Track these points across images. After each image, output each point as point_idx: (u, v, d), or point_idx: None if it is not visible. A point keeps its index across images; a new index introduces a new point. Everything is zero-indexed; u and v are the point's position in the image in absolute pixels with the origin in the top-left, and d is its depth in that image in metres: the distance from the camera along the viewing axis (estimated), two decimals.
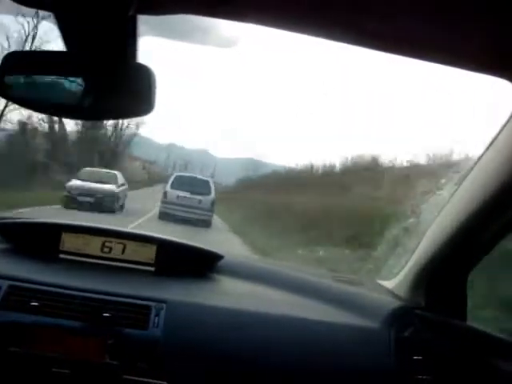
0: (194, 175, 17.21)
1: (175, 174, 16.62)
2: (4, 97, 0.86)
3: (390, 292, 1.70)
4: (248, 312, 1.49)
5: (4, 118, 18.12)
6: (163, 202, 14.85)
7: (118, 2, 0.66)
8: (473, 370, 1.40)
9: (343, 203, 12.61)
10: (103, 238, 1.69)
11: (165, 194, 15.14)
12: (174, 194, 14.99)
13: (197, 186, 15.48)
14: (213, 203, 15.28)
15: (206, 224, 14.25)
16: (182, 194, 14.88)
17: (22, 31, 17.28)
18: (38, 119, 19.70)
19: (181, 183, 15.42)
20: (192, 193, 15.02)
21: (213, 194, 15.67)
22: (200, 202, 15.00)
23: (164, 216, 14.43)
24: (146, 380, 1.33)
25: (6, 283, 1.40)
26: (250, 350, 1.42)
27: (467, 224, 1.34)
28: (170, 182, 15.66)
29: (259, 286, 1.68)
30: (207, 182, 16.07)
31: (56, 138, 21.85)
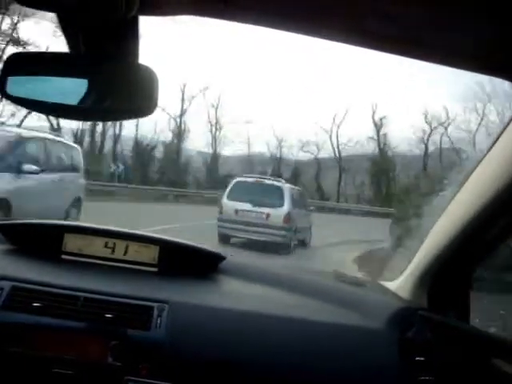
0: (261, 179, 12.17)
1: (235, 180, 11.97)
2: (7, 98, 0.86)
3: (393, 293, 1.70)
4: (250, 313, 1.49)
5: None
6: (219, 220, 10.93)
7: (120, 3, 0.66)
8: (475, 371, 1.40)
9: None
10: (105, 239, 1.69)
11: (220, 208, 11.25)
12: (231, 207, 10.99)
13: (263, 194, 11.11)
14: (287, 218, 10.80)
15: (281, 248, 9.87)
16: (241, 206, 10.87)
17: None
18: None
19: (241, 192, 11.14)
20: (255, 204, 10.92)
21: (287, 206, 11.04)
22: (267, 216, 10.83)
23: (225, 240, 10.60)
24: (148, 381, 1.33)
25: (8, 284, 1.40)
26: (253, 351, 1.41)
27: (470, 225, 1.34)
28: (227, 190, 11.56)
29: (262, 286, 1.68)
30: (279, 189, 11.35)
31: None
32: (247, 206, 10.90)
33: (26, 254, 1.66)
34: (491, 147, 1.24)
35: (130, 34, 0.78)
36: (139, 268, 1.68)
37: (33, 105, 0.90)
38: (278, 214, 10.82)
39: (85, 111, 0.89)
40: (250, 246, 10.03)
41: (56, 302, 1.39)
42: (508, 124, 1.18)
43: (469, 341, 1.44)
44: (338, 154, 31.69)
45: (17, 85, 0.85)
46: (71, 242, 1.68)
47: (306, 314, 1.52)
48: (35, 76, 0.86)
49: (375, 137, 31.16)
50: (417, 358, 1.44)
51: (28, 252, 1.66)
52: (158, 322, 1.40)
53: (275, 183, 11.83)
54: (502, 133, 1.20)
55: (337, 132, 31.24)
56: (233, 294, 1.64)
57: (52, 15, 0.73)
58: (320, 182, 30.87)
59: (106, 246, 1.69)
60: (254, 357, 1.40)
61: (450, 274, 1.51)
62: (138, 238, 1.73)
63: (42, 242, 1.68)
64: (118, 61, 0.85)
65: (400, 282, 1.70)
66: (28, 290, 1.40)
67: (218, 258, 1.74)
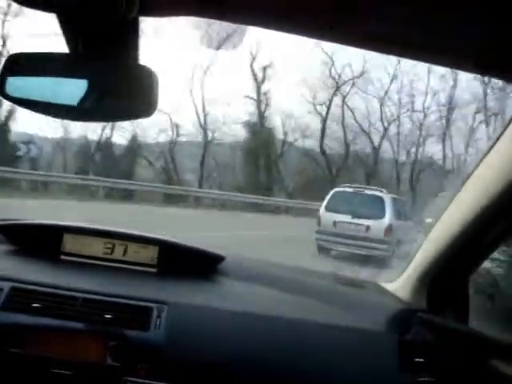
0: (361, 189, 11.58)
1: (333, 190, 11.48)
2: (6, 98, 0.86)
3: (392, 294, 1.70)
4: (249, 314, 1.49)
5: None
6: (318, 232, 10.54)
7: (120, 4, 0.66)
8: (475, 372, 1.40)
9: None
10: (105, 240, 1.69)
11: (318, 219, 10.85)
12: (329, 219, 10.57)
13: (363, 205, 10.64)
14: (389, 231, 10.20)
15: (381, 262, 9.34)
16: (340, 218, 10.47)
17: None
18: None
19: (340, 202, 10.71)
20: (355, 216, 10.45)
21: (388, 217, 10.41)
22: (367, 229, 10.29)
23: (324, 253, 10.15)
24: (147, 382, 1.33)
25: (8, 285, 1.40)
26: (252, 352, 1.41)
27: (469, 226, 1.34)
28: (325, 200, 11.13)
29: (261, 287, 1.68)
30: (380, 199, 10.72)
31: None
32: (346, 218, 10.45)
33: (25, 254, 1.66)
34: (490, 150, 1.25)
35: (130, 34, 0.78)
36: (138, 269, 1.68)
37: (32, 105, 0.90)
38: (379, 226, 10.24)
39: (84, 112, 0.89)
40: (350, 258, 9.61)
41: (55, 302, 1.39)
42: (506, 128, 1.18)
43: (468, 342, 1.44)
44: (202, 122, 21.01)
45: (16, 85, 0.85)
46: (70, 243, 1.68)
47: (305, 316, 1.52)
48: (35, 76, 0.86)
49: (254, 96, 20.92)
50: (416, 360, 1.45)
51: (27, 252, 1.66)
52: (157, 322, 1.40)
53: (376, 193, 11.12)
54: (500, 136, 1.21)
55: (201, 85, 20.61)
56: (232, 295, 1.64)
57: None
58: (174, 164, 21.05)
59: (105, 246, 1.69)
60: (252, 358, 1.40)
61: (449, 275, 1.51)
62: (137, 239, 1.72)
63: (41, 242, 1.68)
64: (118, 61, 0.85)
65: (399, 284, 1.70)
66: (27, 290, 1.40)
67: (217, 258, 1.74)
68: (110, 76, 0.85)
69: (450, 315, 1.54)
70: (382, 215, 10.40)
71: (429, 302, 1.57)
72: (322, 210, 10.96)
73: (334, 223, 10.44)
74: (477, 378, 1.39)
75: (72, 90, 0.84)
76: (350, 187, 11.62)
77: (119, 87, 0.86)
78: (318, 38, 0.78)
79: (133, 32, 0.78)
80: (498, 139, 1.21)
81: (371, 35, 0.75)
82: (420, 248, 1.58)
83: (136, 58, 0.85)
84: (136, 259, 1.69)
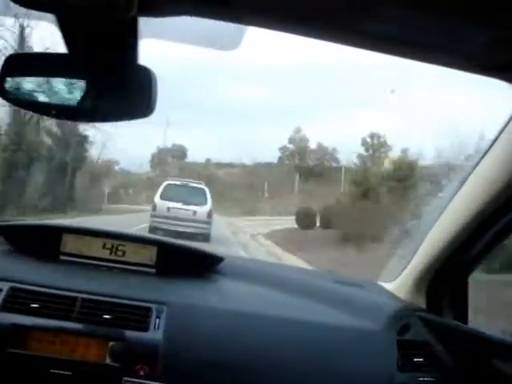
0: (187, 182, 14.94)
1: (165, 183, 14.50)
2: (5, 99, 0.86)
3: (392, 294, 1.70)
4: (249, 314, 1.49)
5: None
6: (153, 216, 13.22)
7: (119, 4, 0.66)
8: (474, 372, 1.40)
9: None
10: (104, 240, 1.69)
11: (154, 206, 13.52)
12: (164, 205, 13.27)
13: (190, 195, 13.73)
14: (209, 214, 13.54)
15: (204, 238, 12.39)
16: (173, 205, 13.21)
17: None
18: None
19: (172, 193, 13.65)
20: (185, 203, 13.37)
21: (209, 204, 13.82)
22: (195, 213, 13.26)
23: (155, 231, 12.29)
24: (146, 382, 1.33)
25: (7, 285, 1.40)
26: (251, 352, 1.41)
27: (468, 226, 1.34)
28: (159, 191, 13.99)
29: (260, 287, 1.68)
30: (202, 190, 14.21)
31: None
32: (178, 205, 13.25)
33: (24, 254, 1.65)
34: (488, 150, 1.25)
35: (130, 34, 0.78)
36: (137, 269, 1.68)
37: (31, 106, 0.90)
38: (203, 210, 13.42)
39: (83, 112, 0.89)
40: (178, 235, 11.52)
41: (54, 302, 1.38)
42: (504, 127, 1.18)
43: (467, 341, 1.44)
44: None
45: (15, 85, 0.85)
46: (70, 243, 1.67)
47: (303, 315, 1.52)
48: (34, 77, 0.86)
49: None
50: (415, 359, 1.45)
51: (27, 253, 1.65)
52: (156, 322, 1.40)
53: (199, 185, 14.70)
54: (498, 135, 1.21)
55: None
56: (230, 295, 1.64)
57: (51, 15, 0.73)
58: None
59: (104, 247, 1.68)
60: (251, 358, 1.40)
61: (448, 274, 1.52)
62: (137, 239, 1.72)
63: (40, 242, 1.67)
64: (117, 61, 0.85)
65: (398, 283, 1.70)
66: (26, 291, 1.40)
67: (216, 259, 1.74)
68: (109, 76, 0.85)
69: (448, 314, 1.54)
70: (204, 202, 13.69)
71: (428, 301, 1.57)
72: (157, 198, 13.63)
73: (168, 209, 13.09)
74: (476, 377, 1.39)
75: (71, 90, 0.84)
76: (178, 180, 15.19)
77: (118, 87, 0.86)
78: (318, 38, 0.77)
79: (132, 32, 0.77)
80: (496, 139, 1.22)
81: (371, 35, 0.75)
82: (419, 247, 1.58)
83: (135, 57, 0.85)
84: (135, 259, 1.69)
